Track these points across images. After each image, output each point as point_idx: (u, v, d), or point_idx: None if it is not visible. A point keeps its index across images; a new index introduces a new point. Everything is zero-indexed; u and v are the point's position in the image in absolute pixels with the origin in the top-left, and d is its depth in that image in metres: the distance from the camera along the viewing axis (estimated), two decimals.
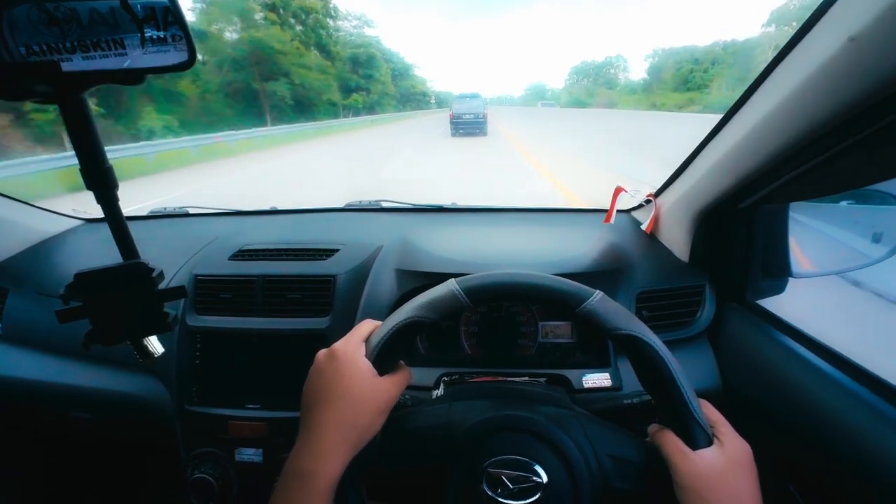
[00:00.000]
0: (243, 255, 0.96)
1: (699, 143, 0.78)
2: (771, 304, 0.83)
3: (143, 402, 0.89)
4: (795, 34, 0.53)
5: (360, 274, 0.90)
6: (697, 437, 0.45)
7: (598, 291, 0.49)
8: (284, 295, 0.88)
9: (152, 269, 0.49)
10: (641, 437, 0.51)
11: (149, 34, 0.40)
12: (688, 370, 0.48)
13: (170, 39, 0.41)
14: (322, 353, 0.50)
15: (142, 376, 0.90)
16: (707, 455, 0.44)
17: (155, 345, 0.52)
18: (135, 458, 1.16)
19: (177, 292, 0.52)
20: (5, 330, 1.01)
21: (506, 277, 0.50)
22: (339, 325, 0.85)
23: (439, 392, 0.77)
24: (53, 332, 0.97)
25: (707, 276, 0.86)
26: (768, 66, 0.58)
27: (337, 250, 0.96)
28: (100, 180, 0.46)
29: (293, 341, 0.86)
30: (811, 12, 0.50)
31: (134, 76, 0.42)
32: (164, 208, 1.34)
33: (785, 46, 0.55)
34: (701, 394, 0.49)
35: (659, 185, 0.97)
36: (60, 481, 1.23)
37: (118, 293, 0.49)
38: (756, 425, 0.48)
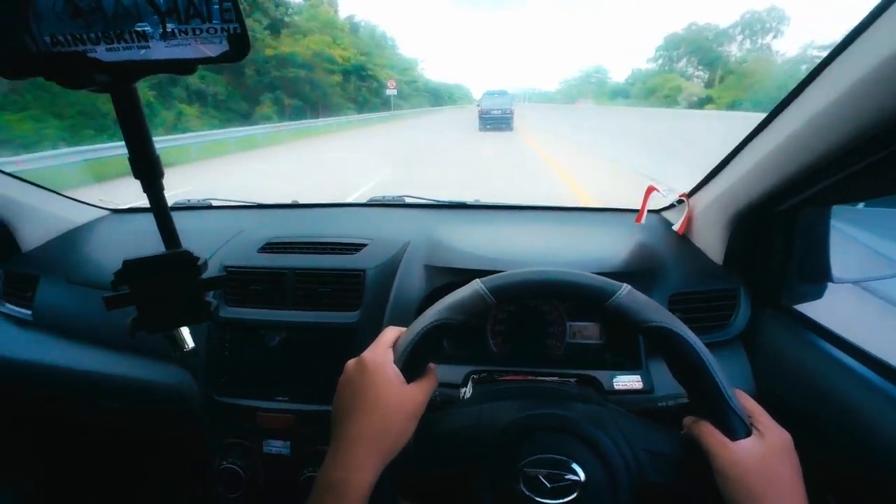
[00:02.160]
0: (272, 247, 0.96)
1: (738, 142, 0.77)
2: (807, 309, 0.81)
3: (172, 391, 0.89)
4: (852, 31, 0.51)
5: (390, 269, 0.90)
6: (736, 427, 0.45)
7: (625, 285, 0.48)
8: (314, 288, 0.88)
9: (197, 259, 0.50)
10: (677, 432, 0.51)
11: (173, 28, 0.40)
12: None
13: (195, 34, 0.41)
14: (351, 362, 0.49)
15: (171, 366, 0.91)
16: (747, 444, 0.44)
17: (186, 338, 0.53)
18: (162, 447, 1.18)
19: (218, 281, 0.52)
20: (35, 316, 1.03)
21: (531, 275, 0.50)
22: (369, 319, 0.85)
23: (467, 390, 0.77)
24: (83, 320, 0.99)
25: (742, 279, 0.84)
26: (820, 63, 0.56)
27: (365, 245, 0.95)
28: (147, 169, 0.46)
29: (322, 334, 0.86)
30: (870, 10, 0.48)
31: (184, 66, 0.42)
32: (188, 200, 1.35)
33: (840, 43, 0.53)
34: None
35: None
36: (88, 468, 1.25)
37: (163, 281, 0.49)
38: (793, 433, 0.47)
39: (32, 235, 1.13)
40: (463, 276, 0.85)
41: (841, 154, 0.55)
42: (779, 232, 0.79)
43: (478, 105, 20.07)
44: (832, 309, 0.82)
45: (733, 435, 0.44)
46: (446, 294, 0.51)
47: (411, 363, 0.48)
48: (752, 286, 0.84)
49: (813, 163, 0.60)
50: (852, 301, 1.99)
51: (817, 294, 0.82)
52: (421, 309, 0.84)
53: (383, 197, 1.29)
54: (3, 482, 1.15)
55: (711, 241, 0.88)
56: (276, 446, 0.84)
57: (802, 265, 0.80)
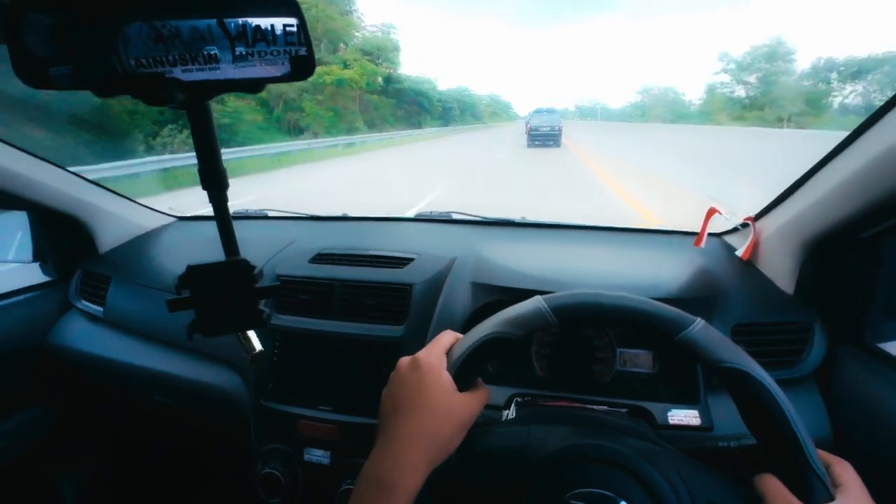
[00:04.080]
0: (322, 258, 0.99)
1: (815, 163, 0.71)
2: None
3: (222, 393, 0.93)
4: None
5: (436, 284, 0.90)
6: (815, 489, 0.40)
7: (699, 319, 0.45)
8: (361, 300, 0.89)
9: (253, 267, 0.51)
10: (746, 486, 0.46)
11: (241, 51, 0.42)
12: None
13: (260, 56, 0.43)
14: (405, 360, 0.49)
15: (222, 369, 0.95)
16: None
17: (254, 342, 0.54)
18: (207, 447, 1.22)
19: (271, 291, 0.54)
20: (106, 313, 1.11)
21: (596, 298, 0.47)
22: (414, 333, 0.84)
23: (510, 413, 0.75)
24: (147, 320, 1.05)
25: (816, 311, 0.77)
26: None
27: (412, 259, 0.96)
28: (214, 181, 0.49)
29: (367, 346, 0.86)
30: None
31: (253, 86, 0.44)
32: (246, 210, 1.42)
33: None
34: None
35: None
36: (136, 462, 1.32)
37: (222, 287, 0.51)
38: (875, 486, 0.41)
39: (108, 238, 1.23)
40: (510, 294, 0.83)
41: None
42: (861, 261, 0.72)
43: (526, 122, 20.43)
44: None
45: (810, 498, 0.39)
46: (492, 312, 0.50)
47: (463, 372, 0.47)
48: (828, 320, 0.77)
49: None
50: None
51: None
52: (466, 325, 0.82)
53: (430, 212, 1.30)
54: (74, 461, 1.23)
55: (781, 269, 0.82)
56: (317, 455, 0.84)
57: (890, 299, 0.72)
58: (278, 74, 0.44)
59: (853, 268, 0.73)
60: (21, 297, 1.15)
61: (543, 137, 18.30)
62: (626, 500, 0.43)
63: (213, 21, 0.41)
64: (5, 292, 1.13)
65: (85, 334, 1.12)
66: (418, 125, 33.86)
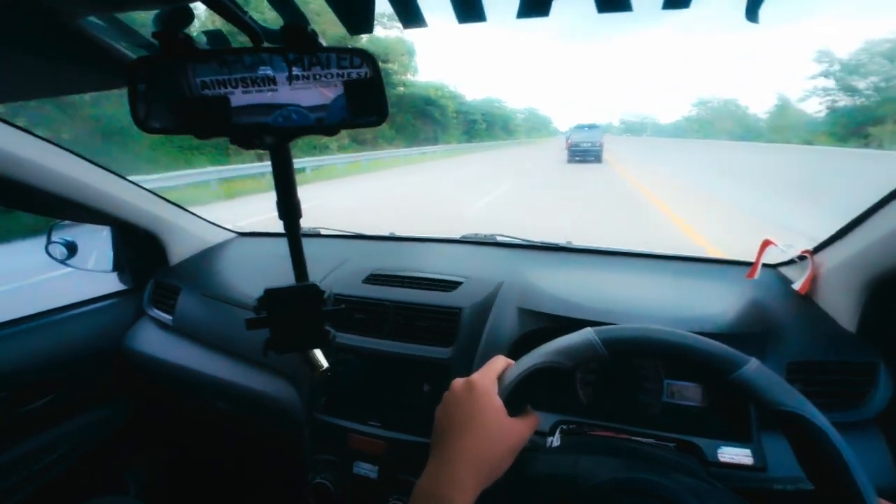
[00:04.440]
0: (375, 279, 1.04)
1: (881, 197, 0.69)
2: None
3: (278, 403, 0.98)
4: None
5: (484, 308, 0.92)
6: None
7: (753, 359, 0.44)
8: (413, 322, 0.93)
9: (323, 292, 0.56)
10: None
11: (297, 73, 0.46)
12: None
13: (315, 79, 0.46)
14: (459, 382, 0.51)
15: (280, 381, 1.00)
16: None
17: (321, 360, 0.59)
18: (263, 455, 1.29)
19: (338, 314, 0.58)
20: (175, 322, 1.20)
21: (649, 332, 0.48)
22: (461, 356, 0.87)
23: (554, 440, 0.75)
24: (212, 329, 1.13)
25: (882, 351, 0.74)
26: None
27: (461, 283, 0.99)
28: (290, 211, 0.54)
29: (416, 366, 0.89)
30: None
31: (331, 130, 0.49)
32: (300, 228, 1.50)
33: None
34: None
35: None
36: (196, 462, 1.41)
37: (294, 309, 0.56)
38: None
39: (178, 251, 1.33)
40: (556, 321, 0.84)
41: None
42: None
43: (567, 138, 20.38)
44: None
45: None
46: (538, 338, 0.52)
47: (514, 398, 0.49)
48: (894, 361, 0.73)
49: None
50: None
51: None
52: (512, 350, 0.84)
53: (476, 235, 1.33)
54: (139, 458, 1.33)
55: (843, 305, 0.79)
56: (365, 469, 0.88)
57: None
58: (332, 97, 0.48)
59: None
60: (100, 304, 1.26)
61: (584, 153, 18.25)
62: None
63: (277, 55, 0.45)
64: (86, 299, 1.25)
65: (155, 340, 1.22)
66: (433, 140, 28.82)
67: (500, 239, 1.29)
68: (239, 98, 0.46)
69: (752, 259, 0.95)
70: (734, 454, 0.70)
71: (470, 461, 0.45)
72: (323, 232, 1.46)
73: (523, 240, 1.27)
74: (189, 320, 1.18)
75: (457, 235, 1.34)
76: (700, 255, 1.16)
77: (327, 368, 0.61)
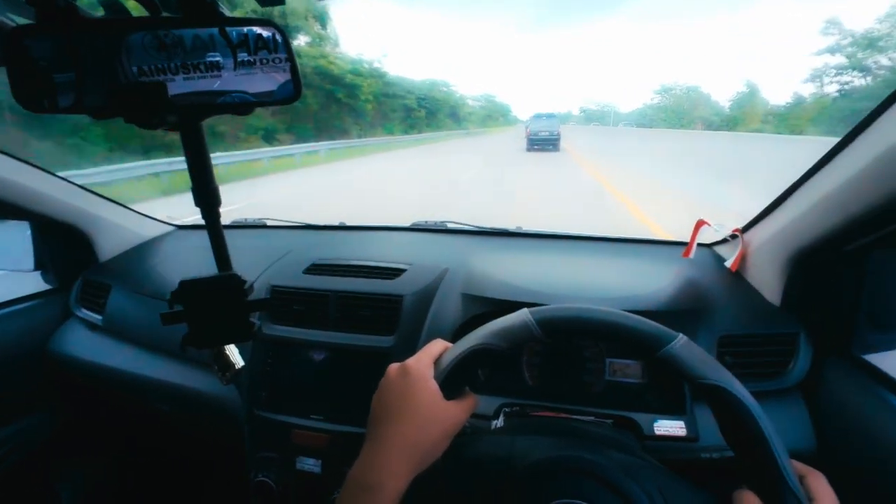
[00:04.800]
0: (316, 269, 1.01)
1: (801, 175, 0.72)
2: (882, 360, 0.73)
3: (217, 401, 0.94)
4: None
5: (426, 295, 0.91)
6: None
7: (680, 335, 0.46)
8: (355, 311, 0.91)
9: (244, 282, 0.53)
10: (724, 501, 0.47)
11: (243, 59, 0.43)
12: (776, 428, 0.43)
13: (262, 64, 0.44)
14: (394, 367, 0.50)
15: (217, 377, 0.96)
16: None
17: (235, 357, 0.56)
18: (203, 454, 1.24)
19: (262, 304, 0.55)
20: (105, 322, 1.12)
21: (581, 312, 0.49)
22: (403, 344, 0.86)
23: (499, 422, 0.76)
24: (145, 329, 1.07)
25: (803, 323, 0.78)
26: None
27: (405, 270, 0.97)
28: (207, 198, 0.51)
29: (358, 357, 0.88)
30: None
31: (243, 108, 0.46)
32: (245, 219, 1.44)
33: None
34: (790, 456, 0.44)
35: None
36: (135, 467, 1.33)
37: (214, 301, 0.53)
38: (856, 497, 0.42)
39: (108, 247, 1.25)
40: (499, 306, 0.84)
41: None
42: (846, 273, 0.73)
43: (526, 127, 20.66)
44: None
45: None
46: (481, 323, 0.51)
47: (450, 381, 0.48)
48: (814, 332, 0.77)
49: (887, 200, 0.55)
50: None
51: (891, 344, 0.75)
52: (456, 336, 0.83)
53: (426, 222, 1.31)
54: (71, 470, 1.24)
55: (768, 281, 0.83)
56: (309, 464, 0.86)
57: (874, 311, 0.73)
58: (279, 83, 0.45)
59: (838, 280, 0.74)
60: (22, 306, 1.17)
61: (542, 142, 18.58)
62: None
63: (216, 30, 0.42)
64: (7, 300, 1.15)
65: (84, 342, 1.14)
66: (343, 131, 21.21)
67: (449, 226, 1.28)
68: (134, 73, 0.42)
69: (689, 239, 0.98)
70: (669, 427, 0.73)
71: (402, 447, 0.44)
72: (269, 223, 1.40)
73: (472, 226, 1.26)
74: (121, 320, 1.11)
75: (406, 223, 1.32)
76: (641, 236, 1.20)
77: (241, 367, 0.58)
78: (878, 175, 0.55)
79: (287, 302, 0.94)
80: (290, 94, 0.44)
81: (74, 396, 1.21)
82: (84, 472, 1.26)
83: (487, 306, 0.85)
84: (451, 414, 0.47)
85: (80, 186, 1.15)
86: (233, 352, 0.57)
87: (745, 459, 0.44)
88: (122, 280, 1.16)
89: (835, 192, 0.63)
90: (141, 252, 1.29)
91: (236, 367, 0.57)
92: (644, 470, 0.48)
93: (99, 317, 1.14)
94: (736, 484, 0.46)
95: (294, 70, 0.45)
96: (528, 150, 18.41)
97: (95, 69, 0.41)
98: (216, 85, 0.44)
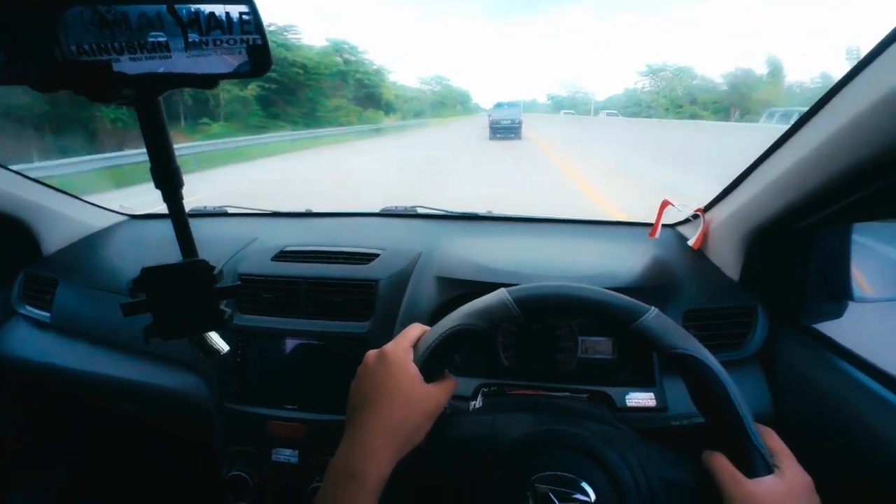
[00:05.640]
0: (285, 256, 0.97)
1: (756, 158, 0.76)
2: (829, 328, 0.79)
3: (184, 397, 0.90)
4: (875, 47, 0.50)
5: (401, 279, 0.90)
6: (756, 463, 0.44)
7: (653, 308, 0.48)
8: (327, 297, 0.89)
9: (213, 268, 0.50)
10: (695, 461, 0.49)
11: (193, 39, 0.41)
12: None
13: (215, 45, 0.41)
14: (371, 353, 0.50)
15: (184, 372, 0.92)
16: (765, 482, 0.42)
17: (218, 342, 0.53)
18: (173, 453, 1.19)
19: (232, 291, 0.53)
20: (54, 319, 1.05)
21: (559, 289, 0.50)
22: (380, 329, 0.85)
23: (477, 403, 0.77)
24: (99, 324, 1.01)
25: (759, 296, 0.83)
26: (840, 81, 0.56)
27: (377, 255, 0.96)
28: (168, 179, 0.47)
29: (333, 344, 0.86)
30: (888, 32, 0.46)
31: (207, 80, 0.43)
32: (205, 207, 1.37)
33: (858, 63, 0.52)
34: None
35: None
36: (101, 472, 1.27)
37: (179, 289, 0.50)
38: (809, 455, 0.46)
39: (54, 239, 1.16)
40: (474, 288, 0.85)
41: (862, 171, 0.54)
42: (798, 249, 0.78)
43: (488, 115, 20.59)
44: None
45: (752, 472, 0.43)
46: (457, 306, 0.51)
47: (430, 364, 0.48)
48: (769, 304, 0.82)
49: (832, 180, 0.59)
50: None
51: (838, 313, 0.81)
52: (432, 319, 0.83)
53: (396, 207, 1.30)
54: (28, 479, 1.17)
55: (728, 257, 0.87)
56: (285, 455, 0.84)
57: (822, 283, 0.78)
58: (236, 66, 0.43)
59: (790, 255, 0.79)
60: None
61: (505, 130, 18.57)
62: (586, 481, 0.46)
63: (163, 7, 0.39)
64: None
65: (31, 342, 1.06)
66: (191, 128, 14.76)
67: (420, 210, 1.27)
68: (73, 51, 0.39)
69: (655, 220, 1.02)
70: (640, 398, 0.76)
71: (383, 432, 0.44)
72: (230, 210, 1.34)
73: (443, 210, 1.26)
74: (72, 316, 1.04)
75: (376, 209, 1.30)
76: (610, 218, 1.23)
77: (227, 352, 0.56)
78: (822, 158, 0.59)
79: (256, 290, 0.91)
80: (259, 65, 0.42)
81: (23, 401, 1.12)
82: (43, 482, 1.18)
83: (463, 288, 0.85)
84: (432, 396, 0.47)
85: (18, 173, 1.06)
86: (213, 337, 0.54)
87: (715, 422, 0.47)
88: (70, 274, 1.08)
89: (786, 173, 0.67)
90: (91, 244, 1.20)
91: (221, 352, 0.54)
92: (620, 437, 0.50)
93: (46, 314, 1.06)
94: (704, 447, 0.48)
95: (264, 39, 0.42)
96: (491, 138, 18.30)
97: (27, 48, 0.38)
98: (163, 67, 0.41)
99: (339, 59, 28.25)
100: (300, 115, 22.08)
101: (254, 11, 0.41)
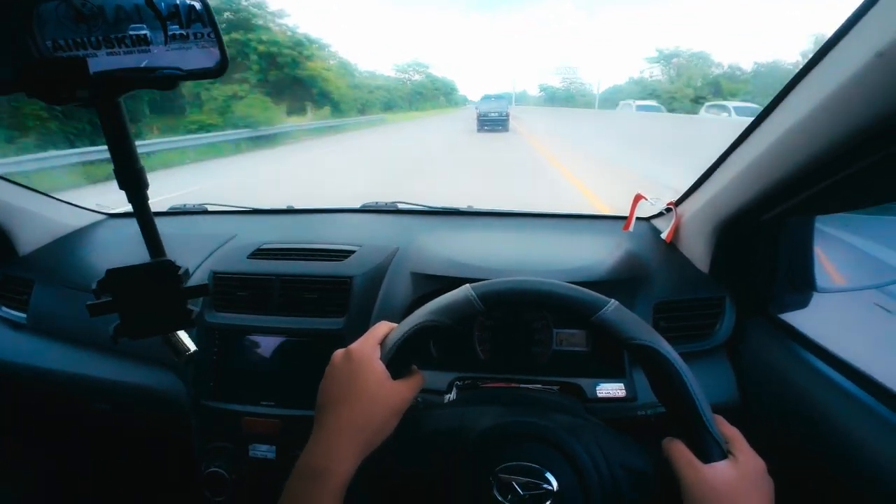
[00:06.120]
0: (262, 253, 0.97)
1: (723, 151, 0.77)
2: (795, 318, 0.81)
3: (161, 395, 0.90)
4: (824, 45, 0.52)
5: (377, 276, 0.91)
6: (710, 449, 0.45)
7: (612, 300, 0.49)
8: (301, 295, 0.89)
9: (178, 268, 0.51)
10: (655, 449, 0.51)
11: (174, 32, 0.41)
12: (705, 383, 0.47)
13: (196, 38, 0.41)
14: (338, 353, 0.50)
15: (160, 370, 0.92)
16: (719, 467, 0.44)
17: (187, 342, 0.54)
18: (151, 451, 1.19)
19: (200, 290, 0.53)
20: (30, 320, 1.04)
21: (520, 284, 0.51)
22: (355, 326, 0.85)
23: (452, 396, 0.78)
24: (77, 324, 1.00)
25: (728, 288, 0.84)
26: (797, 74, 0.57)
27: (353, 251, 0.96)
28: (132, 180, 0.48)
29: (308, 341, 0.87)
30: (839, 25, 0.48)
31: (167, 82, 0.43)
32: (184, 205, 1.36)
33: (814, 56, 0.53)
34: (718, 409, 0.48)
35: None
36: (77, 472, 1.26)
37: (146, 289, 0.50)
38: (773, 442, 0.47)
39: (29, 239, 1.14)
40: (448, 283, 0.85)
41: (819, 164, 0.55)
42: (764, 241, 0.79)
43: (475, 108, 20.66)
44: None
45: (707, 457, 0.45)
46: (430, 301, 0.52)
47: (397, 361, 0.49)
48: (737, 295, 0.84)
49: (793, 172, 0.60)
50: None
51: (804, 303, 0.82)
52: (405, 316, 0.84)
53: (376, 203, 1.30)
54: (3, 481, 1.16)
55: (697, 250, 0.89)
56: (262, 451, 0.84)
57: (788, 275, 0.80)
58: (213, 61, 0.43)
59: (757, 248, 0.80)
60: None
61: (492, 123, 18.71)
62: (550, 471, 0.47)
63: (142, 0, 0.39)
64: None
65: (6, 343, 1.05)
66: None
67: (400, 206, 1.27)
68: (48, 47, 0.38)
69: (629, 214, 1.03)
70: (610, 389, 0.78)
71: (347, 431, 0.45)
72: (210, 208, 1.33)
73: (423, 206, 1.26)
74: (49, 317, 1.03)
75: (356, 205, 1.30)
76: (586, 212, 1.25)
77: (194, 352, 0.56)
78: (785, 149, 0.59)
79: (231, 288, 0.91)
80: (213, 65, 0.42)
81: (2, 403, 1.11)
82: (18, 483, 1.18)
83: (437, 284, 0.86)
84: (398, 393, 0.48)
85: None
86: (182, 337, 0.55)
87: (673, 411, 0.48)
88: (47, 274, 1.07)
89: (749, 166, 0.68)
90: (68, 243, 1.19)
91: (188, 351, 0.55)
92: (586, 429, 0.51)
93: (22, 315, 1.05)
94: (666, 435, 0.50)
95: (219, 41, 0.43)
96: (479, 131, 18.41)
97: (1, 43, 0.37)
98: (145, 62, 0.41)
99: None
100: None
101: (206, 8, 0.41)
